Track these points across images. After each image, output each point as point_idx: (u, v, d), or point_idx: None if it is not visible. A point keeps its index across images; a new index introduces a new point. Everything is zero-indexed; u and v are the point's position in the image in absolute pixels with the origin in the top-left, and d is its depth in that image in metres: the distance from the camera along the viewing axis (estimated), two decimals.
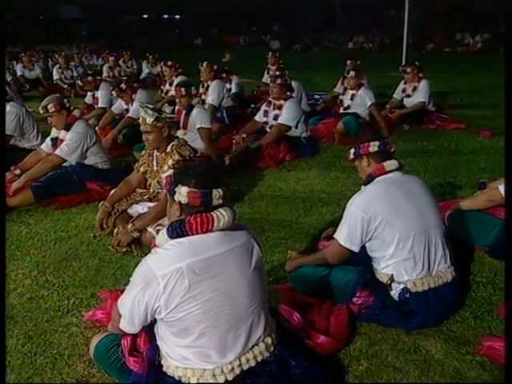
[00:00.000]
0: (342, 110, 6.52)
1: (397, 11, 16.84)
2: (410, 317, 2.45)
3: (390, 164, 2.60)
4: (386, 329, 2.45)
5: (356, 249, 2.55)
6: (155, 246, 1.88)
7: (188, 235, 1.78)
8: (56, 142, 4.31)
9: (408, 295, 2.48)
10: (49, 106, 4.12)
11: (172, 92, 6.79)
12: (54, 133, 4.37)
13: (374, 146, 2.62)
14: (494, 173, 4.35)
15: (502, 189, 3.14)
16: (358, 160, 2.73)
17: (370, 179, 2.63)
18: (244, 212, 4.04)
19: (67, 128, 4.19)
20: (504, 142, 5.46)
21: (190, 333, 1.77)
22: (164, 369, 1.86)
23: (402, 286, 2.50)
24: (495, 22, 18.61)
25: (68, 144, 4.18)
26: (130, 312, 1.82)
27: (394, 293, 2.51)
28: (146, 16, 34.07)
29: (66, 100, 4.29)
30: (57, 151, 4.22)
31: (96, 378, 2.14)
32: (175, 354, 1.83)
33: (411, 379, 2.11)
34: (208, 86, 6.99)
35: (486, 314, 2.55)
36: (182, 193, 1.80)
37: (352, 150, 2.74)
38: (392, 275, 2.52)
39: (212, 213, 1.80)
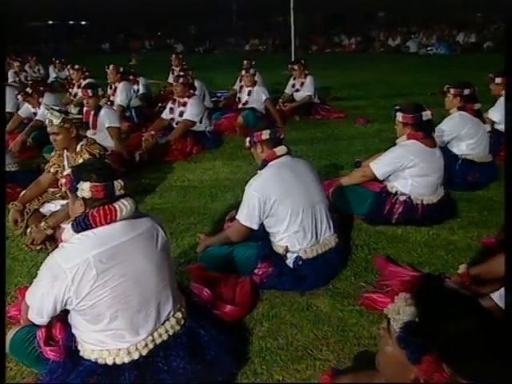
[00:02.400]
0: (240, 106, 6.58)
1: (284, 18, 17.20)
2: (303, 280, 2.56)
3: (280, 149, 2.67)
4: (284, 293, 2.53)
5: (255, 227, 2.60)
6: (62, 241, 1.79)
7: (93, 227, 1.71)
8: None
9: (301, 262, 2.58)
10: None
11: (80, 94, 6.42)
12: None
13: (265, 134, 2.67)
14: (368, 153, 4.59)
15: (372, 165, 3.37)
16: (253, 147, 2.76)
17: (264, 164, 2.68)
18: (155, 202, 3.96)
19: None
20: (376, 126, 5.94)
21: (102, 318, 1.72)
22: (81, 353, 1.79)
23: (295, 254, 2.60)
24: (365, 26, 19.77)
25: None
26: (39, 305, 1.72)
27: (289, 261, 2.61)
28: (51, 22, 31.67)
29: None
30: None
31: (14, 371, 2.01)
32: (90, 339, 1.77)
33: (305, 332, 2.21)
34: (116, 88, 6.73)
35: (363, 270, 2.73)
36: (85, 188, 1.73)
37: (247, 139, 2.77)
38: (287, 246, 2.61)
39: (114, 204, 1.75)
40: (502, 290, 1.76)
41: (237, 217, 2.66)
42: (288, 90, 7.14)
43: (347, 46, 18.43)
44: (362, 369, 1.57)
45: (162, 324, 1.86)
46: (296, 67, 6.93)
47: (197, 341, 1.91)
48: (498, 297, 1.73)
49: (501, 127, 4.46)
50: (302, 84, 6.89)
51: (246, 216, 2.60)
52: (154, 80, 9.47)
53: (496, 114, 4.44)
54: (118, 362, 1.74)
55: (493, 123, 4.34)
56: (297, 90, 6.97)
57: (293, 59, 11.64)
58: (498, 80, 4.52)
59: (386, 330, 1.01)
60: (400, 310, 0.95)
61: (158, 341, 1.83)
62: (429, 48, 15.56)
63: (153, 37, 28.01)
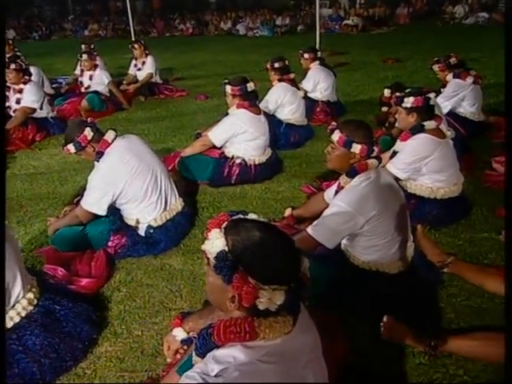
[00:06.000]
0: (83, 90, 6.07)
1: (123, 3, 16.10)
2: (156, 245, 2.55)
3: (110, 135, 2.50)
4: (140, 259, 2.50)
5: (103, 212, 2.46)
6: None
7: None
8: None
9: (152, 230, 2.56)
10: None
11: None
12: None
13: (89, 133, 2.43)
14: (209, 125, 4.68)
15: (210, 135, 3.45)
16: (83, 151, 2.48)
17: (100, 155, 2.47)
18: None
19: None
20: (215, 102, 6.05)
21: None
22: None
23: (146, 224, 2.56)
24: (199, 12, 19.63)
25: None
26: None
27: (141, 231, 2.56)
28: None
29: None
30: None
31: None
32: None
33: (160, 289, 2.24)
34: None
35: None
36: None
37: (72, 147, 2.44)
38: (138, 219, 2.56)
39: None
40: (313, 223, 1.99)
41: (82, 203, 2.48)
42: (131, 70, 6.82)
43: (185, 30, 18.11)
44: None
45: (13, 307, 1.70)
46: (136, 46, 6.64)
47: (53, 316, 1.79)
48: (309, 228, 1.96)
49: (313, 95, 4.93)
50: (144, 63, 6.64)
51: (92, 204, 2.45)
52: None
53: (307, 84, 4.88)
54: None
55: (306, 92, 4.76)
56: (139, 69, 6.69)
57: None
58: (306, 55, 4.95)
59: (207, 265, 1.08)
60: (213, 245, 1.03)
61: (10, 324, 1.68)
62: (255, 31, 16.19)
63: None
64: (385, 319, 1.78)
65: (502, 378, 1.59)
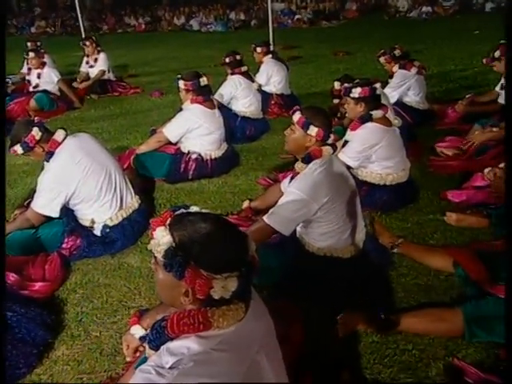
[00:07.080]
0: (31, 89, 5.80)
1: None
2: (112, 244, 2.49)
3: (59, 134, 2.41)
4: (96, 259, 2.44)
5: (55, 214, 2.38)
6: None
7: None
8: None
9: (108, 229, 2.49)
10: None
11: None
12: None
13: (36, 133, 2.34)
14: (164, 122, 4.59)
15: (164, 131, 3.39)
16: (31, 152, 2.39)
17: (50, 155, 2.38)
18: None
19: None
20: (170, 98, 5.95)
21: None
22: None
23: (102, 224, 2.50)
24: (152, 7, 19.10)
25: None
26: None
27: (97, 231, 2.50)
28: None
29: None
30: None
31: None
32: None
33: (118, 288, 2.19)
34: None
35: None
36: None
37: (19, 148, 2.35)
38: (93, 219, 2.49)
39: None
40: (269, 211, 2.01)
41: (32, 205, 2.39)
42: (83, 67, 6.58)
43: (137, 26, 17.62)
44: None
45: None
46: (88, 43, 6.42)
47: (4, 323, 1.71)
48: (265, 217, 1.98)
49: (267, 89, 4.95)
50: (96, 60, 6.42)
51: (44, 206, 2.36)
52: None
53: (261, 77, 4.88)
54: None
55: (260, 85, 4.76)
56: (91, 67, 6.47)
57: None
58: (259, 49, 4.95)
59: (155, 264, 1.07)
60: (160, 243, 1.02)
61: None
62: (208, 26, 16.00)
63: None
64: (339, 318, 1.82)
65: (447, 350, 1.69)
